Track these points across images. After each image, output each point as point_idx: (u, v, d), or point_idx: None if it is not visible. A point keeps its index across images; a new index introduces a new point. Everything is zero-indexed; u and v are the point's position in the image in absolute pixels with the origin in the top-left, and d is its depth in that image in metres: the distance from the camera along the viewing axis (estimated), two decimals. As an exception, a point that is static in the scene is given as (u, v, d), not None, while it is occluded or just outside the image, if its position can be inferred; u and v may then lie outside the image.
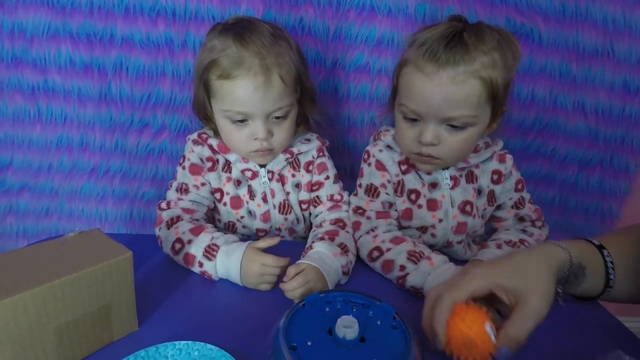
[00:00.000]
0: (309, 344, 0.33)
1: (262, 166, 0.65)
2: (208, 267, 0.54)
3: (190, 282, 0.55)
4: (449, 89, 0.53)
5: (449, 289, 0.41)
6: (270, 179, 0.65)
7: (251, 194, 0.65)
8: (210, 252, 0.55)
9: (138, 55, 0.77)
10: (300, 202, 0.68)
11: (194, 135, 0.66)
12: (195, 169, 0.64)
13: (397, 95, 0.60)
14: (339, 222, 0.63)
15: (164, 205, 0.62)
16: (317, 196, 0.68)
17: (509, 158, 0.66)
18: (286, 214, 0.66)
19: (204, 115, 0.64)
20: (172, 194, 0.64)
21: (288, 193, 0.67)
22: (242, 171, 0.65)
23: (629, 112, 0.81)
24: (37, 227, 0.89)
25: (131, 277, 0.43)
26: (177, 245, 0.56)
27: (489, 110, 0.57)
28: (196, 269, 0.55)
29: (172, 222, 0.59)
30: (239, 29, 0.58)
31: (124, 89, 0.79)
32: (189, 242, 0.56)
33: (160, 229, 0.59)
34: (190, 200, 0.63)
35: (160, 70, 0.78)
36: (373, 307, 0.37)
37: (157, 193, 0.86)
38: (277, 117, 0.60)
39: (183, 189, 0.64)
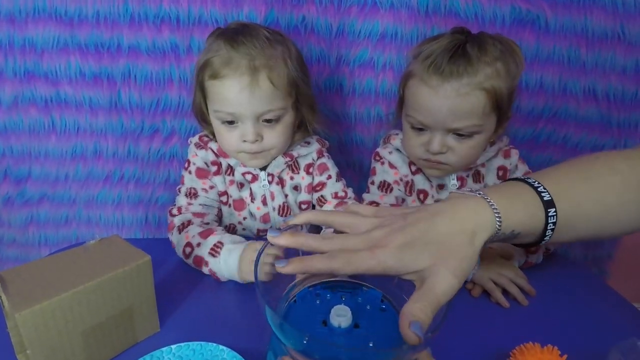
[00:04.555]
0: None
1: (262, 169, 0.65)
2: (213, 264, 0.55)
3: (208, 283, 0.56)
4: (454, 101, 0.55)
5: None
6: (270, 182, 0.66)
7: (252, 196, 0.66)
8: (215, 249, 0.55)
9: (145, 63, 0.78)
10: (300, 203, 0.68)
11: (196, 138, 0.67)
12: (201, 173, 0.65)
13: (404, 106, 0.62)
14: None
15: (175, 211, 0.63)
16: (322, 195, 0.68)
17: (514, 153, 0.66)
18: (286, 215, 0.67)
19: (202, 117, 0.65)
20: (181, 200, 0.64)
21: (287, 195, 0.67)
22: (243, 174, 0.65)
23: (642, 95, 0.80)
24: (57, 235, 0.92)
25: (151, 281, 0.44)
26: (187, 249, 0.57)
27: (495, 118, 0.58)
28: (205, 269, 0.56)
29: (183, 226, 0.60)
30: (233, 33, 0.58)
31: (133, 97, 0.81)
32: (198, 245, 0.57)
33: (172, 234, 0.60)
34: (200, 204, 0.64)
35: (167, 76, 0.79)
36: (361, 293, 0.37)
37: (171, 197, 0.88)
38: (267, 120, 0.60)
39: (192, 194, 0.64)
